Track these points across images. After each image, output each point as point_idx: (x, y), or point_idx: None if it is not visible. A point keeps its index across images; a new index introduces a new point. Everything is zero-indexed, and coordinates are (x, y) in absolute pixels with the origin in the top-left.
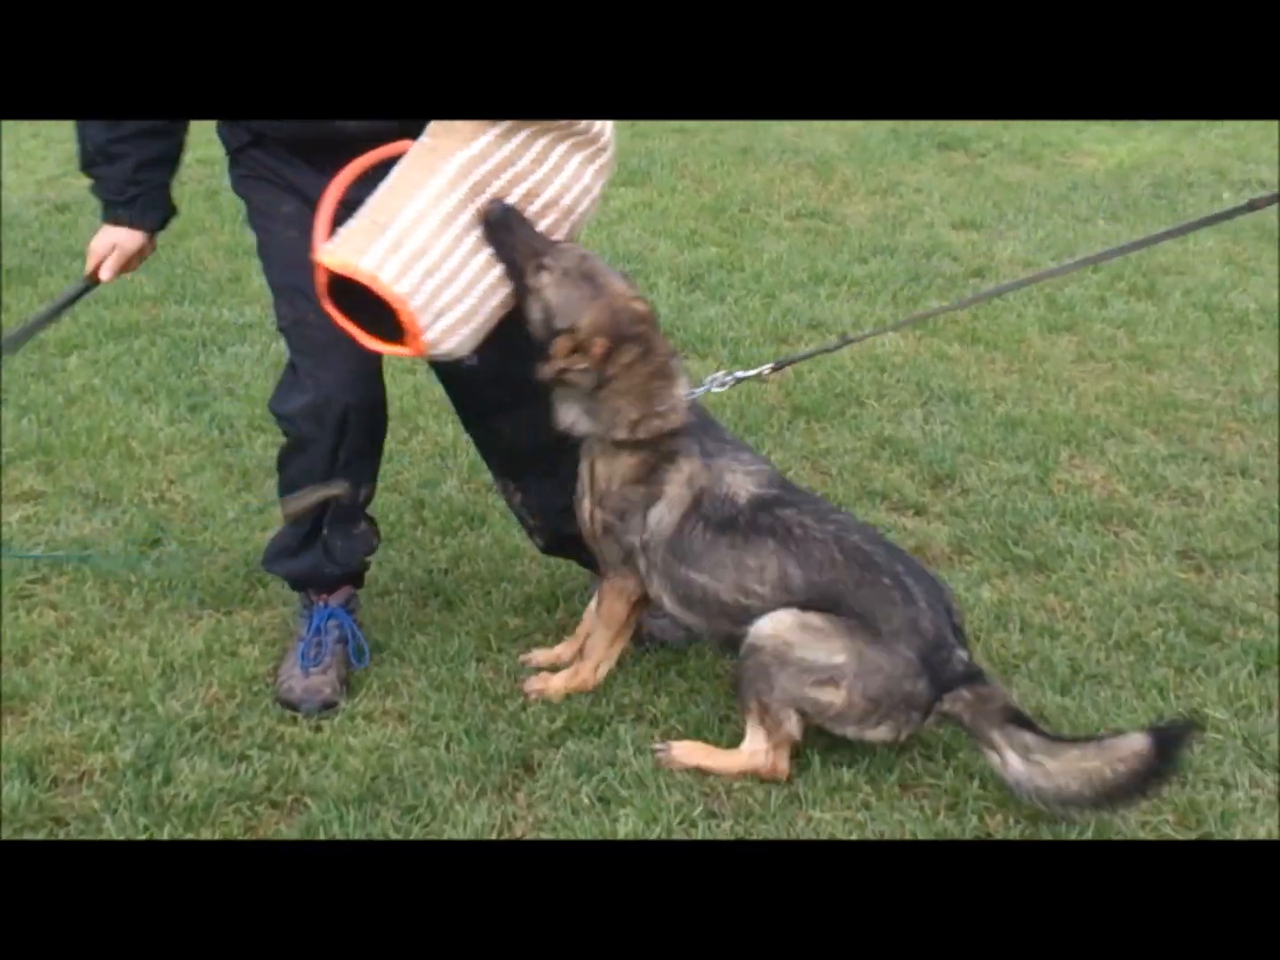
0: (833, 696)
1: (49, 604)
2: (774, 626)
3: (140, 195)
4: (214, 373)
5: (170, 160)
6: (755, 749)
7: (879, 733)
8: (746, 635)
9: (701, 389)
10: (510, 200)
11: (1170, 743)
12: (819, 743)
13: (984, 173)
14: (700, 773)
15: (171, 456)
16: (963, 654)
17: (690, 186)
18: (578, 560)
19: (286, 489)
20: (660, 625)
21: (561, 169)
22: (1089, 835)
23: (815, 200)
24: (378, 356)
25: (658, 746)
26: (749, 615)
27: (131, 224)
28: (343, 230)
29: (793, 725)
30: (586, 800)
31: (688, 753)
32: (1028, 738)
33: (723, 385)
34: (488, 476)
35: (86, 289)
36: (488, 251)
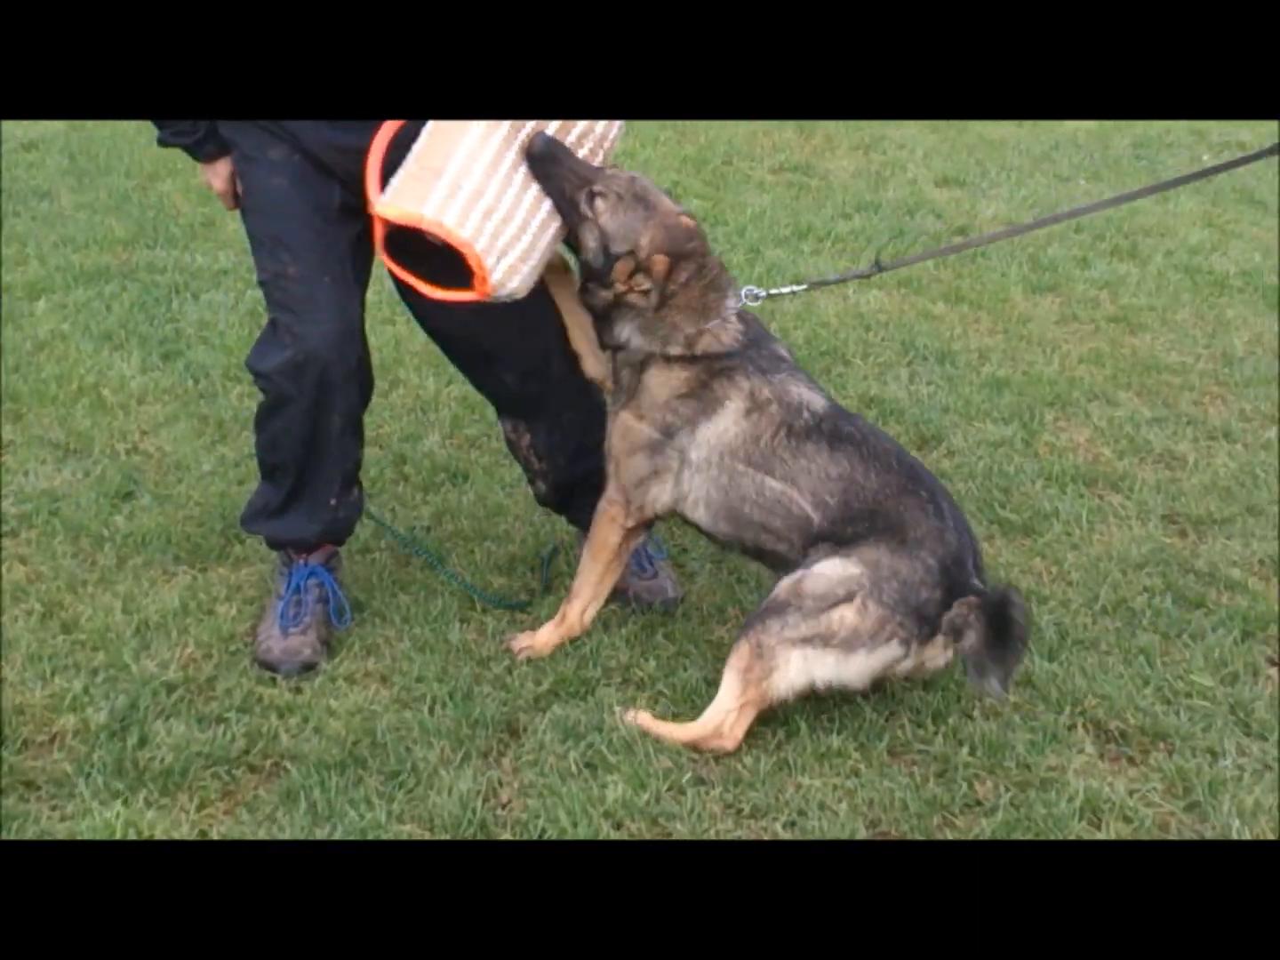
0: (845, 614)
1: (18, 558)
2: (796, 579)
3: (210, 126)
4: (187, 320)
5: None
6: (718, 705)
7: (889, 650)
8: (791, 565)
9: (748, 300)
10: (549, 132)
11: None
12: (806, 709)
13: (967, 130)
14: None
15: (144, 406)
16: (978, 582)
17: (673, 138)
18: (569, 515)
19: (265, 448)
20: (646, 586)
21: None
22: (1084, 833)
23: (798, 154)
24: (359, 312)
25: (622, 713)
26: (800, 528)
27: (224, 153)
28: (394, 181)
29: (788, 674)
30: (573, 766)
31: (648, 722)
32: None
33: (756, 299)
34: (471, 430)
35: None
36: (536, 187)
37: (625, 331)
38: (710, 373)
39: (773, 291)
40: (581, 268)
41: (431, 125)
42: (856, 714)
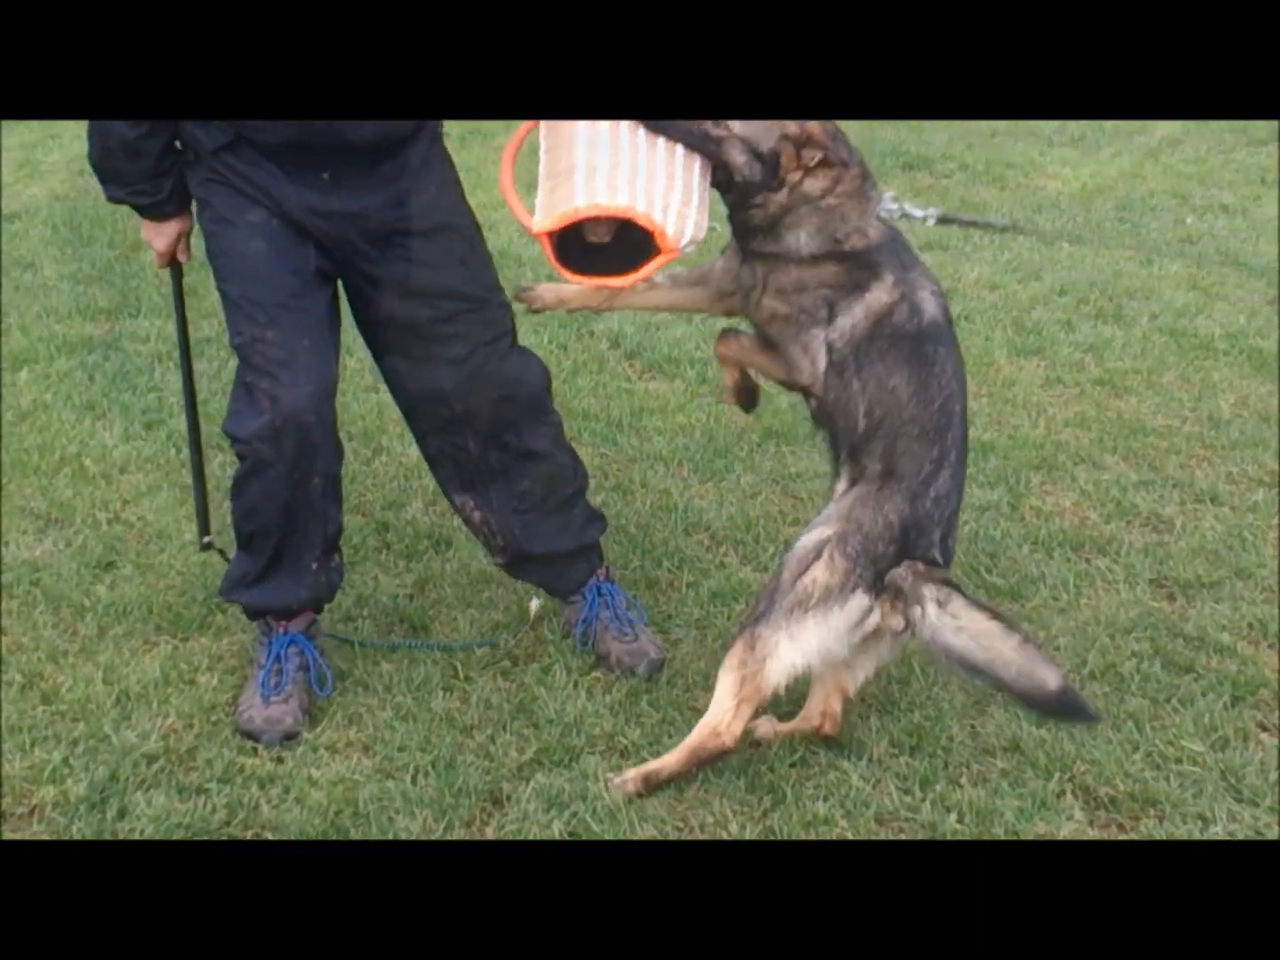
0: (816, 574)
1: None
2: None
3: (174, 184)
4: (170, 389)
5: (175, 142)
6: (715, 709)
7: (857, 600)
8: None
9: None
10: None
11: (1069, 709)
12: (793, 777)
13: (949, 194)
14: (656, 784)
15: (126, 476)
16: (936, 554)
17: None
18: (538, 583)
19: (243, 516)
20: (628, 650)
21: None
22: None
23: None
24: (336, 375)
25: (613, 781)
26: (849, 434)
27: (179, 213)
28: (537, 202)
29: (772, 665)
30: (557, 835)
31: (634, 776)
32: (955, 598)
33: (888, 212)
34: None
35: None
36: (662, 140)
37: (801, 237)
38: (860, 265)
39: (907, 210)
40: (737, 196)
41: (543, 139)
42: (843, 781)
